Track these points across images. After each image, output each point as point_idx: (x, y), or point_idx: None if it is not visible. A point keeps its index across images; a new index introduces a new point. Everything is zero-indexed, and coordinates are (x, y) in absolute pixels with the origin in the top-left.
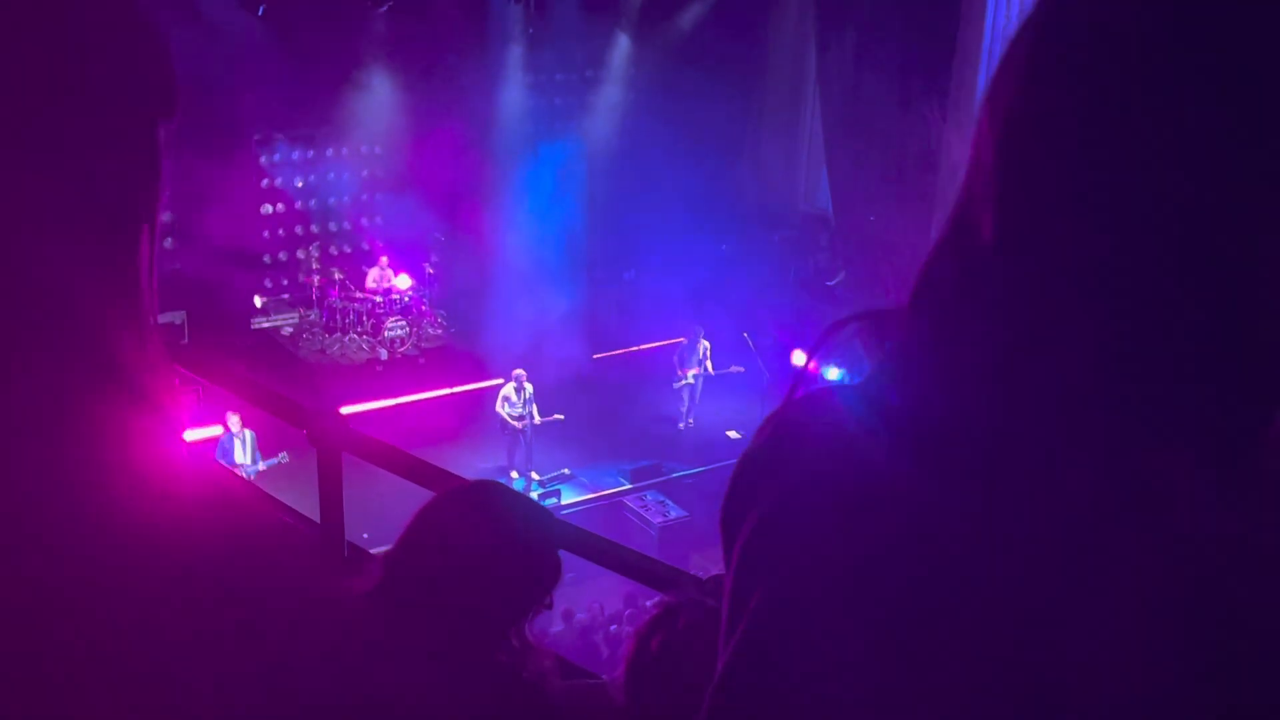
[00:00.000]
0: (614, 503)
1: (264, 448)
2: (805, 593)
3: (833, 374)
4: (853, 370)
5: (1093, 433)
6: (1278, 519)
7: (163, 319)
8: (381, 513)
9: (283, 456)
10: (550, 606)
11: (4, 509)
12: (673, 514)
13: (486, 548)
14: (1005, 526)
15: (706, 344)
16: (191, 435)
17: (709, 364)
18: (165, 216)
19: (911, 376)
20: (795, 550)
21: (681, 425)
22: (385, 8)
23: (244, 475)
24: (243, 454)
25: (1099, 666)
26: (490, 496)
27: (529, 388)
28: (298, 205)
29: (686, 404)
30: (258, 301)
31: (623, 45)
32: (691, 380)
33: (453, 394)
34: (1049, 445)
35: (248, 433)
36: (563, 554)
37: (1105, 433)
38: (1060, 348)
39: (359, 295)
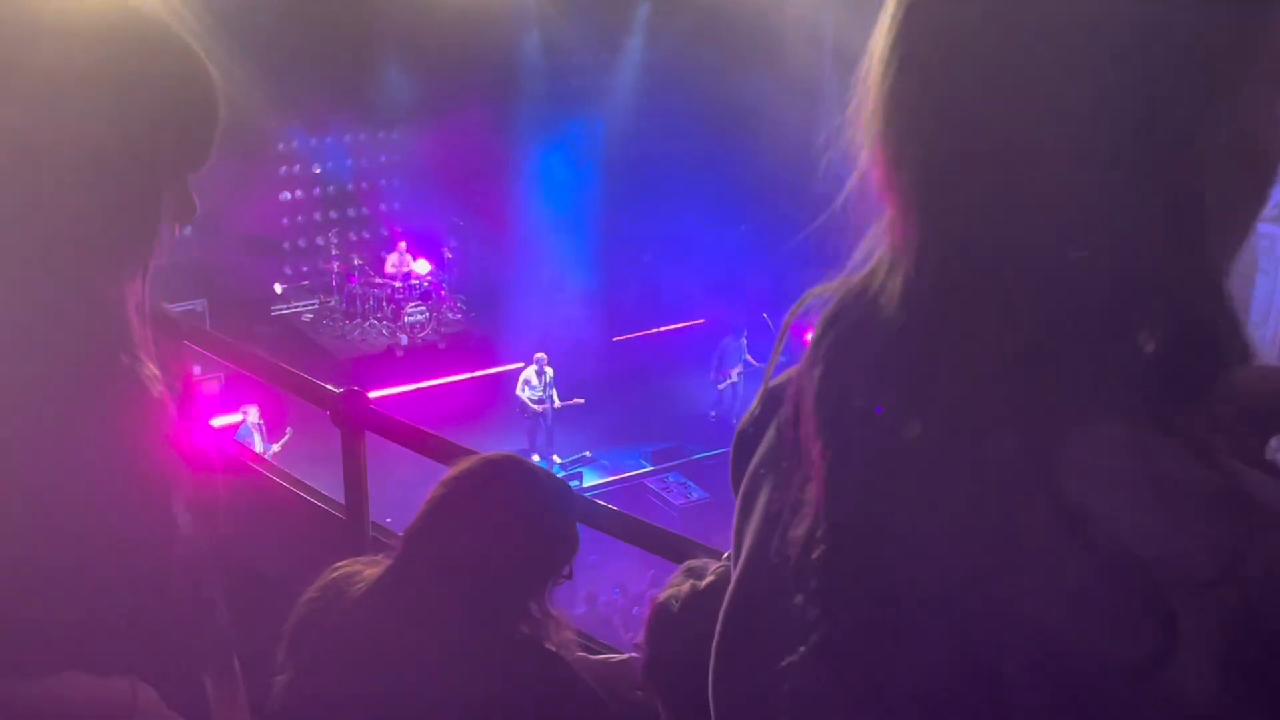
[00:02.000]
0: (636, 485)
1: (269, 432)
2: (778, 539)
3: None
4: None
5: (1020, 399)
6: (1221, 465)
7: (184, 306)
8: (404, 499)
9: (288, 433)
10: (570, 577)
11: (54, 476)
12: (694, 495)
13: (503, 519)
14: (953, 466)
15: (744, 340)
16: (218, 421)
17: (750, 357)
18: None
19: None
20: (768, 500)
21: (713, 414)
22: None
23: None
24: (259, 443)
25: (1041, 594)
26: (507, 469)
27: (550, 371)
28: (316, 192)
29: (726, 402)
30: (278, 288)
31: (640, 26)
32: (735, 379)
33: (473, 378)
34: (983, 407)
35: (260, 422)
36: (585, 535)
37: (1032, 397)
38: (979, 339)
39: (378, 281)
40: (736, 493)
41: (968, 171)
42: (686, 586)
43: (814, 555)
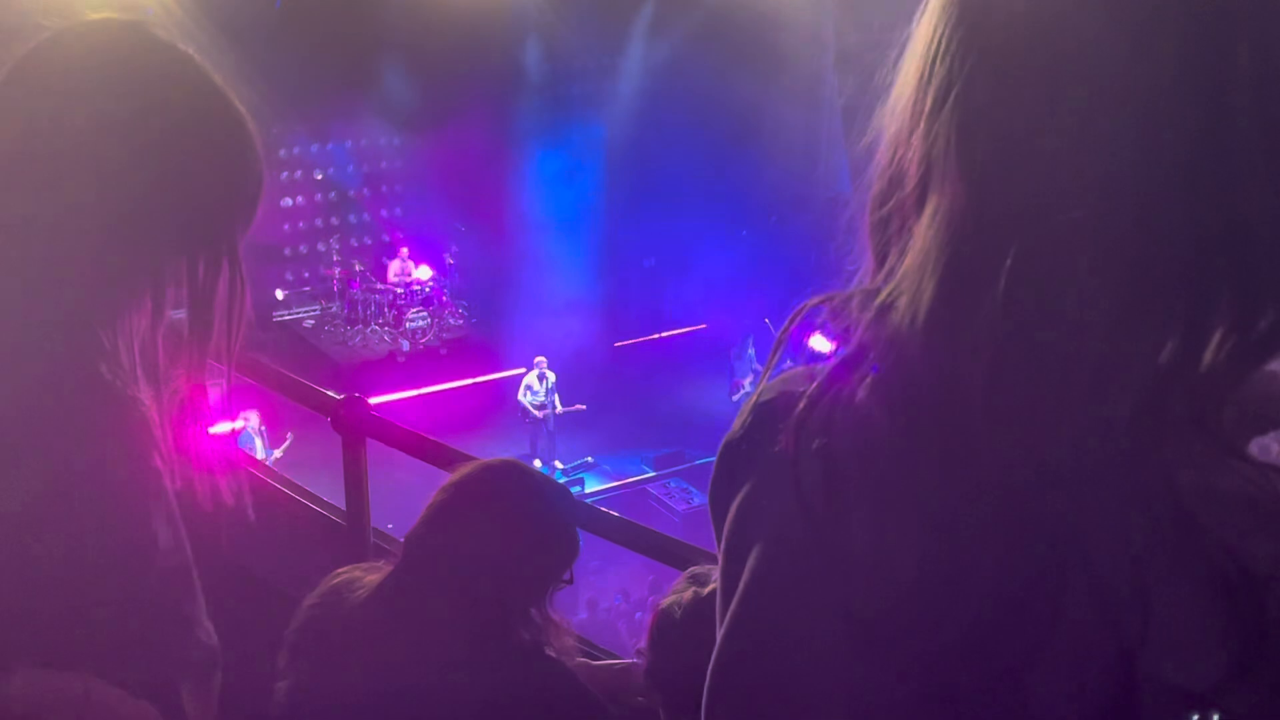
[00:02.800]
0: (638, 490)
1: (270, 438)
2: (788, 565)
3: (822, 345)
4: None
5: (1060, 389)
6: (1242, 468)
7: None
8: (405, 504)
9: (289, 438)
10: (571, 582)
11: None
12: (696, 501)
13: (504, 525)
14: (982, 480)
15: (753, 351)
16: (217, 429)
17: (759, 366)
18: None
19: (889, 354)
20: (777, 526)
21: None
22: None
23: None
24: (262, 449)
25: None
26: (506, 474)
27: (551, 376)
28: (318, 198)
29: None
30: (279, 294)
31: (641, 32)
32: (749, 388)
33: (475, 384)
34: (1018, 402)
35: (263, 429)
36: (586, 541)
37: (1068, 389)
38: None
39: (380, 287)
40: (720, 502)
41: (1034, 153)
42: (689, 593)
43: (876, 605)
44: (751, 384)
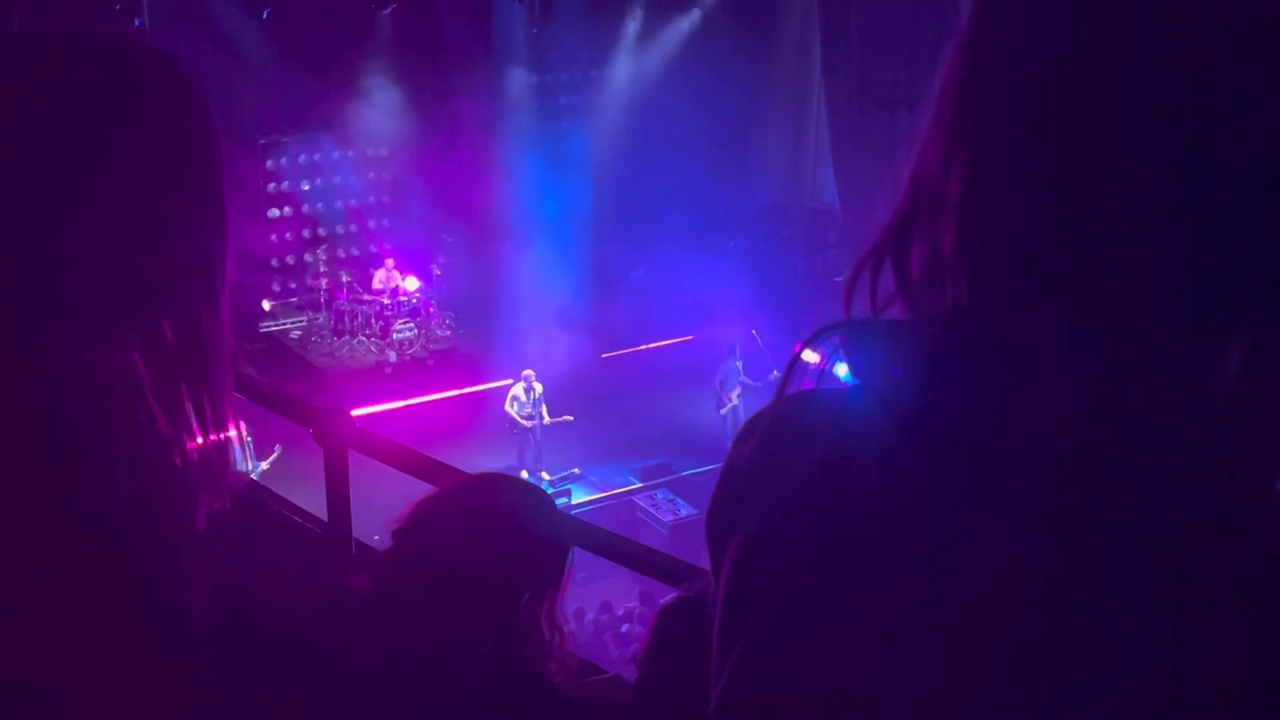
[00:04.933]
0: (625, 502)
1: (256, 449)
2: (804, 613)
3: (812, 357)
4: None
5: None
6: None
7: None
8: (393, 518)
9: (277, 450)
10: (559, 594)
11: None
12: (683, 512)
13: (490, 537)
14: (1012, 533)
15: (739, 363)
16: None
17: (746, 378)
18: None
19: (908, 384)
20: (791, 569)
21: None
22: (389, 10)
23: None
24: (245, 459)
25: (1103, 673)
26: (492, 486)
27: (538, 387)
28: (304, 209)
29: (729, 427)
30: (266, 305)
31: (628, 43)
32: (736, 401)
33: (461, 395)
34: (1056, 453)
35: (248, 440)
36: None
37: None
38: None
39: (367, 298)
40: (722, 528)
41: (1079, 166)
42: (690, 607)
43: (908, 646)
44: (739, 398)
